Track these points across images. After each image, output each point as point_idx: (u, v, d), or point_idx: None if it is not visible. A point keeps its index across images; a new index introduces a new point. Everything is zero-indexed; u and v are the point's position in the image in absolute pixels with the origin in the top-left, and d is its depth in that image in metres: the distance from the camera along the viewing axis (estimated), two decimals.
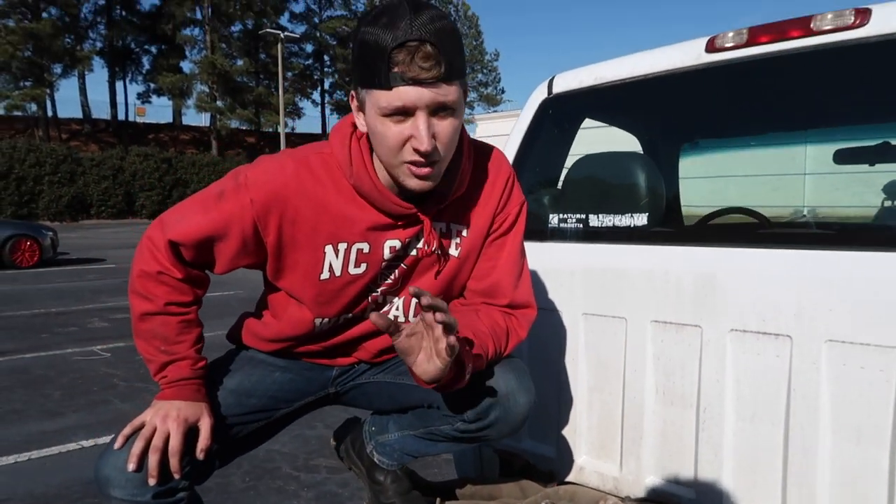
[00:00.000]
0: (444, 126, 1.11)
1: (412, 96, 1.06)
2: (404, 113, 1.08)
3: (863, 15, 1.36)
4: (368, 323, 1.35)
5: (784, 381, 1.37)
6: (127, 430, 1.19)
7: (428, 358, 1.07)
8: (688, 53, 1.63)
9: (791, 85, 1.62)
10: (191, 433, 1.21)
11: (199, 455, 1.22)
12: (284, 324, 1.35)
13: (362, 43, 1.07)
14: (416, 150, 1.09)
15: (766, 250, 1.43)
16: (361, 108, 1.15)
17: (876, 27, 1.35)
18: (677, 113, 2.20)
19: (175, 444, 1.17)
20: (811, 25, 1.42)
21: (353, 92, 1.17)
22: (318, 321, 1.32)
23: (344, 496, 2.75)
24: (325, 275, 1.26)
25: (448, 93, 1.08)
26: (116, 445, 1.17)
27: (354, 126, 1.23)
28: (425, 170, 1.13)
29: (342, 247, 1.24)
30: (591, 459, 1.75)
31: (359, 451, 1.57)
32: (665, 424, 1.58)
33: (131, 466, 1.14)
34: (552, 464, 1.80)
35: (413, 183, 1.15)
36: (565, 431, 1.79)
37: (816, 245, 1.38)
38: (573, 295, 1.74)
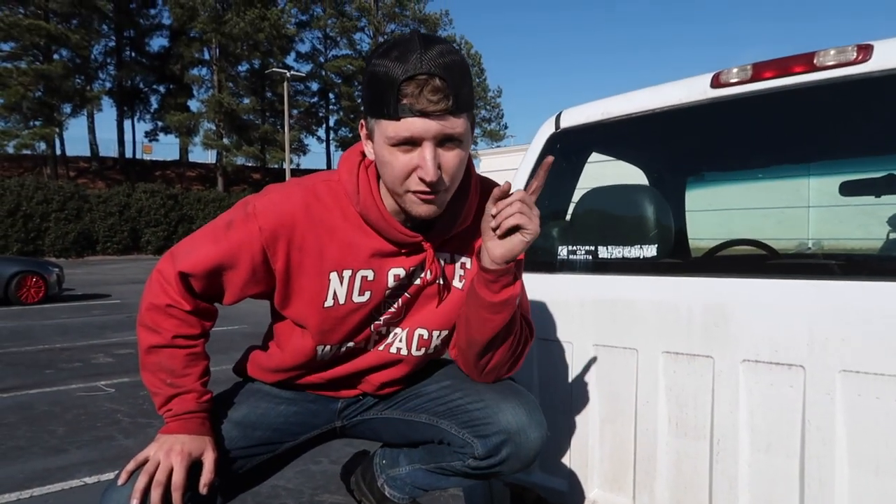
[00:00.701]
0: (451, 157, 1.13)
1: (419, 128, 1.08)
2: (411, 143, 1.10)
3: (865, 51, 1.39)
4: (370, 356, 1.36)
5: (798, 412, 1.36)
6: (130, 466, 1.17)
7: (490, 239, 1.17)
8: (693, 89, 1.66)
9: (795, 119, 1.65)
10: (195, 467, 1.20)
11: (203, 489, 1.20)
12: (287, 353, 1.35)
13: (373, 74, 1.10)
14: (422, 180, 1.12)
15: (777, 281, 1.43)
16: (370, 137, 1.18)
17: (878, 62, 1.38)
18: (684, 147, 2.23)
19: (178, 478, 1.16)
20: (814, 61, 1.45)
21: (362, 121, 1.21)
22: (319, 349, 1.32)
23: None
24: (329, 302, 1.27)
25: (455, 125, 1.11)
26: (120, 481, 1.16)
27: (363, 155, 1.26)
28: (431, 196, 1.15)
29: (347, 274, 1.26)
30: (603, 493, 1.73)
31: (369, 484, 1.56)
32: (679, 456, 1.56)
33: (134, 502, 1.12)
34: (564, 497, 1.78)
35: (420, 209, 1.17)
36: (577, 464, 1.77)
37: (827, 275, 1.38)
38: (584, 326, 1.74)
